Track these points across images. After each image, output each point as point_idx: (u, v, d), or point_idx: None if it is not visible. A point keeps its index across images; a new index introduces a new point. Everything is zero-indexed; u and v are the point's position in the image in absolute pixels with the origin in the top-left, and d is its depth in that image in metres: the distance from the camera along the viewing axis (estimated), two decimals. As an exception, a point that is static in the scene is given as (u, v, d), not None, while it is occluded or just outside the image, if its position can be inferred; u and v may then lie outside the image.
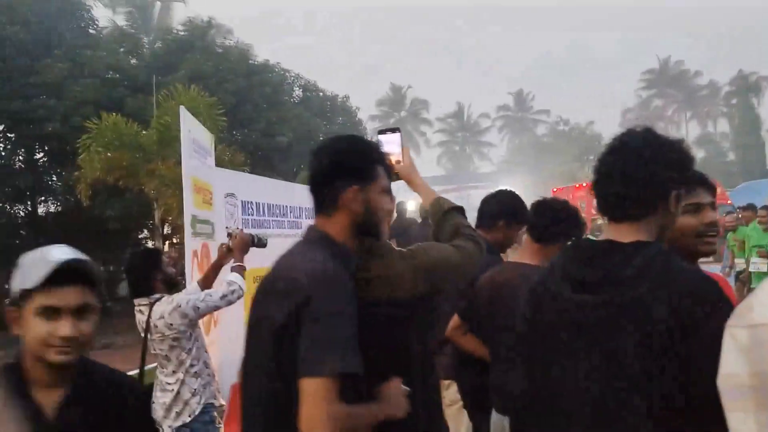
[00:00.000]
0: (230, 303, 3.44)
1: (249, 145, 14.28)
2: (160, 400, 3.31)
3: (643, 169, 1.54)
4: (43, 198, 20.22)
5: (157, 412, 3.30)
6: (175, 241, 23.26)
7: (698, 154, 58.44)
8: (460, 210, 2.02)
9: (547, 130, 64.93)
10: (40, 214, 20.72)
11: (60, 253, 1.62)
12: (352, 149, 1.84)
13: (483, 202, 3.25)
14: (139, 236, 21.86)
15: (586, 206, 14.79)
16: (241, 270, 3.57)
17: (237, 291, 3.42)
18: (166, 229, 8.18)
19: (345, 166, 1.78)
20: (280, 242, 7.56)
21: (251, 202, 7.46)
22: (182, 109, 5.82)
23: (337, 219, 1.75)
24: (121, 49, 17.38)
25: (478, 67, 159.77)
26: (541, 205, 2.83)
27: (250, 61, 17.78)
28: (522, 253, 2.90)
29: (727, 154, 60.83)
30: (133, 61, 17.41)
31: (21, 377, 1.56)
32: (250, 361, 1.72)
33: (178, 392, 3.27)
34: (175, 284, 3.54)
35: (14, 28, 15.65)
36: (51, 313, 1.54)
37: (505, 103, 70.96)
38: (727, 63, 72.73)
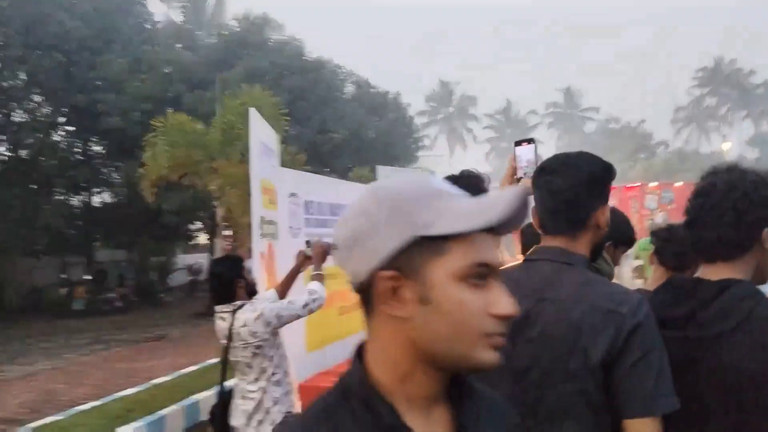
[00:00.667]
0: (311, 312, 3.44)
1: (304, 142, 14.37)
2: (240, 407, 3.32)
3: (732, 213, 1.48)
4: (98, 190, 20.80)
5: (238, 419, 3.32)
6: (229, 238, 23.77)
7: (752, 154, 56.65)
8: None
9: (596, 127, 63.85)
10: (94, 205, 21.32)
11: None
12: (601, 167, 1.66)
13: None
14: (192, 228, 22.33)
15: (638, 206, 14.59)
16: (320, 278, 3.56)
17: (318, 300, 3.42)
18: (223, 229, 8.27)
19: (597, 184, 1.63)
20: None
21: (313, 202, 7.50)
22: (252, 111, 5.84)
23: (584, 239, 1.62)
24: (178, 45, 17.66)
25: (528, 65, 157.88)
26: None
27: (304, 58, 17.93)
28: None
29: (783, 154, 58.85)
30: (190, 55, 17.69)
31: (379, 395, 0.87)
32: (542, 409, 1.51)
33: (260, 401, 3.28)
34: (255, 292, 3.56)
35: (75, 23, 16.05)
36: (479, 277, 0.85)
37: (555, 100, 70.01)
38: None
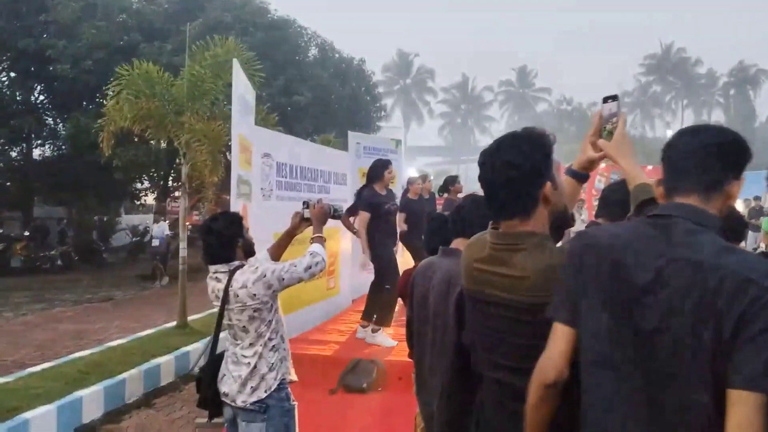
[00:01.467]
0: (313, 275, 3.21)
1: (266, 103, 13.90)
2: (234, 373, 3.08)
3: None
4: (40, 141, 19.68)
5: (230, 385, 3.09)
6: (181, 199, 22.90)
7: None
8: None
9: (547, 108, 64.65)
10: (35, 158, 20.20)
11: None
12: (740, 140, 1.58)
13: (609, 189, 3.02)
14: (139, 188, 21.48)
15: (588, 187, 15.39)
16: (321, 241, 3.33)
17: (320, 263, 3.19)
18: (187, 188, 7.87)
19: (733, 153, 1.54)
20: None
21: (285, 164, 7.22)
22: (235, 62, 5.51)
23: (715, 204, 1.51)
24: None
25: (487, 42, 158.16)
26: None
27: (269, 16, 17.29)
28: None
29: (720, 144, 60.98)
30: (147, 5, 16.82)
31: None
32: (673, 377, 1.39)
33: (255, 366, 3.03)
34: (253, 252, 3.29)
35: (28, -38, 15.05)
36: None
37: (508, 78, 70.41)
38: (729, 52, 72.22)
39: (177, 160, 16.40)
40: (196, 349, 7.46)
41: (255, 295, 2.96)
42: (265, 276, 2.98)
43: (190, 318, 8.83)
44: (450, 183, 8.53)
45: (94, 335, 9.28)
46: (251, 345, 3.05)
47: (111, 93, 7.60)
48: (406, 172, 12.02)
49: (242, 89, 5.75)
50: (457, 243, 2.69)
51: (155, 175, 18.49)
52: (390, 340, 6.61)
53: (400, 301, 7.66)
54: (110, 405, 5.88)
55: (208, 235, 3.10)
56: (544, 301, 1.63)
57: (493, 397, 1.87)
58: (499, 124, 68.44)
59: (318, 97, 17.30)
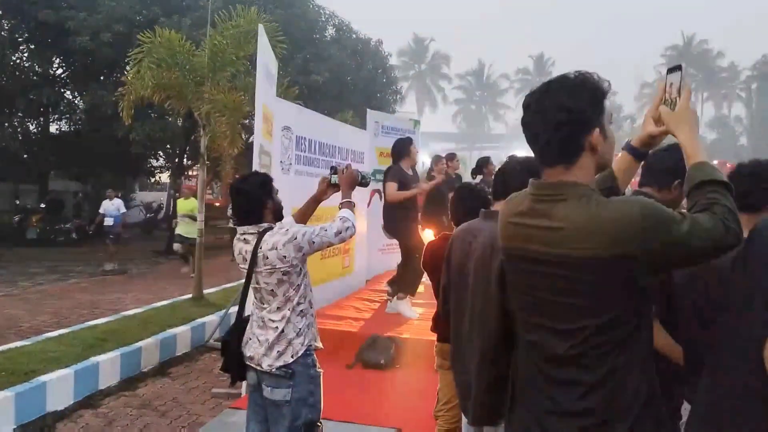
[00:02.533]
0: (343, 240, 3.13)
1: (283, 80, 13.81)
2: (260, 337, 3.02)
3: None
4: (57, 116, 19.67)
5: (255, 349, 3.03)
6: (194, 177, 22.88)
7: (711, 135, 57.90)
8: (727, 186, 1.64)
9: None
10: (52, 132, 20.21)
11: None
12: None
13: (655, 156, 2.92)
14: (154, 165, 21.49)
15: None
16: (350, 206, 3.26)
17: (350, 228, 3.11)
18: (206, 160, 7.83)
19: None
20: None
21: (305, 138, 7.15)
22: (260, 28, 5.42)
23: None
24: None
25: (504, 28, 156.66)
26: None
27: (288, -8, 17.14)
28: None
29: (739, 138, 60.42)
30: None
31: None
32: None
33: (282, 330, 2.97)
34: (282, 216, 3.23)
35: (48, -66, 14.96)
36: None
37: (525, 66, 69.78)
38: (753, 46, 71.12)
39: (193, 137, 16.42)
40: (211, 321, 7.44)
41: (285, 257, 2.90)
42: (295, 238, 2.92)
43: (205, 291, 8.82)
44: (483, 164, 8.39)
45: (109, 305, 9.30)
46: (279, 309, 2.99)
47: (133, 61, 7.52)
48: (421, 155, 11.92)
49: (266, 57, 5.66)
50: (499, 205, 2.62)
51: (171, 150, 18.45)
52: (412, 311, 6.59)
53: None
54: (126, 372, 5.88)
55: (238, 196, 3.04)
56: (586, 255, 1.53)
57: (527, 361, 1.78)
58: (514, 112, 67.99)
59: (335, 77, 17.15)
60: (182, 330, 6.92)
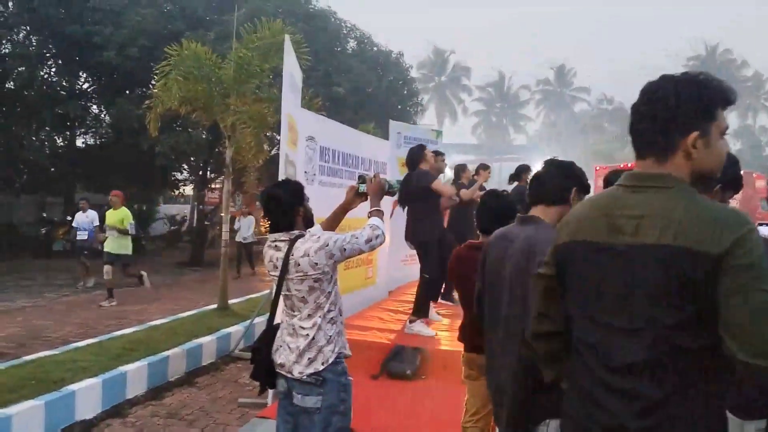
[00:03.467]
0: (373, 248, 3.12)
1: (306, 91, 13.91)
2: (291, 344, 3.01)
3: None
4: (83, 130, 19.98)
5: (286, 356, 3.03)
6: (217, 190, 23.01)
7: (735, 146, 57.09)
8: None
9: (586, 107, 63.66)
10: (78, 145, 20.51)
11: None
12: None
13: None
14: (178, 178, 21.69)
15: None
16: (380, 214, 3.26)
17: (380, 236, 3.11)
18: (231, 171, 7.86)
19: None
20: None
21: (328, 149, 7.18)
22: (287, 39, 5.47)
23: None
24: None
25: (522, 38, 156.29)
26: None
27: (310, 7, 17.29)
28: None
29: (765, 149, 59.60)
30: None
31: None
32: None
33: (313, 338, 2.96)
34: (313, 223, 3.24)
35: (75, -49, 15.27)
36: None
37: (546, 77, 69.44)
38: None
39: (216, 149, 16.57)
40: (237, 331, 7.46)
41: (317, 264, 2.90)
42: (327, 245, 2.92)
43: (230, 301, 8.86)
44: (523, 171, 8.35)
45: (134, 316, 9.37)
46: (309, 316, 2.98)
47: (159, 74, 7.62)
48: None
49: (292, 68, 5.70)
50: (537, 210, 2.60)
51: (194, 163, 18.63)
52: (428, 330, 6.53)
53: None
54: (153, 381, 5.91)
55: (270, 203, 3.05)
56: (678, 245, 1.46)
57: (581, 368, 1.70)
58: (535, 123, 67.81)
59: (356, 89, 17.24)
60: (208, 340, 6.95)
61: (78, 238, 13.12)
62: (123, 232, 10.21)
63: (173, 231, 25.66)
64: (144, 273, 10.98)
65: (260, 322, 7.89)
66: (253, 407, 5.46)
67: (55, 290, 12.56)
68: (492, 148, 63.07)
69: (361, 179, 3.49)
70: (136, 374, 5.69)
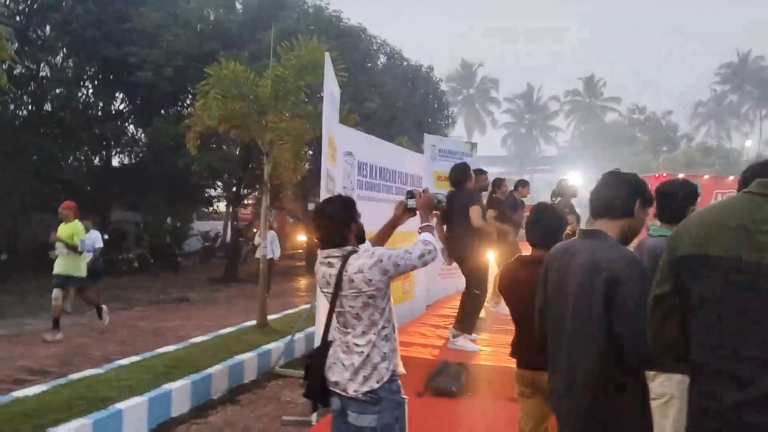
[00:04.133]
0: (425, 264, 3.07)
1: (342, 107, 14.02)
2: (345, 361, 2.97)
3: None
4: (119, 149, 20.38)
5: (340, 374, 2.98)
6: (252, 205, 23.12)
7: (768, 154, 55.81)
8: None
9: (617, 118, 62.95)
10: (114, 165, 20.91)
11: None
12: None
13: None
14: (212, 195, 21.94)
15: None
16: (431, 230, 3.21)
17: (433, 251, 3.06)
18: (268, 187, 7.89)
19: None
20: (386, 207, 7.30)
21: (366, 164, 7.17)
22: (327, 56, 5.48)
23: None
24: (211, 1, 17.19)
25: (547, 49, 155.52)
26: None
27: (341, 24, 17.43)
28: None
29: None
30: (223, 13, 17.20)
31: None
32: None
33: (368, 355, 2.92)
34: (365, 239, 3.20)
35: (107, -28, 15.64)
36: None
37: (575, 88, 68.95)
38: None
39: (250, 165, 16.73)
40: (277, 347, 7.45)
41: (371, 280, 2.86)
42: (381, 261, 2.87)
43: (268, 317, 8.86)
44: (566, 188, 8.25)
45: (172, 332, 9.44)
46: (364, 333, 2.94)
47: (199, 93, 7.71)
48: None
49: (331, 84, 5.72)
50: (602, 224, 2.52)
51: (228, 180, 18.85)
52: (473, 345, 6.43)
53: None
54: (197, 399, 5.91)
55: (322, 218, 3.02)
56: None
57: (699, 396, 1.58)
58: (565, 134, 67.27)
59: (387, 104, 17.32)
60: (249, 357, 6.94)
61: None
62: (72, 249, 8.91)
63: (207, 247, 25.94)
64: (105, 306, 9.82)
65: (300, 338, 7.90)
66: (296, 425, 5.42)
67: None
68: (522, 159, 62.79)
69: (410, 194, 3.45)
70: (180, 392, 5.70)
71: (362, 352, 2.93)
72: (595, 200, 2.57)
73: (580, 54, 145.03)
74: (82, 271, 9.06)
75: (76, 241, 8.90)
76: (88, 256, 11.08)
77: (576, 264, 2.45)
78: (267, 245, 13.87)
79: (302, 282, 18.68)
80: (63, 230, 9.04)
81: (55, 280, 8.89)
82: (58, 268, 8.92)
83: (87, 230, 11.48)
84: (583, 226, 6.67)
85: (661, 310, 1.71)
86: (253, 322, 8.73)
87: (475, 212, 6.16)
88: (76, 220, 9.19)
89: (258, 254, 13.88)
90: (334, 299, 2.98)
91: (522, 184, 8.38)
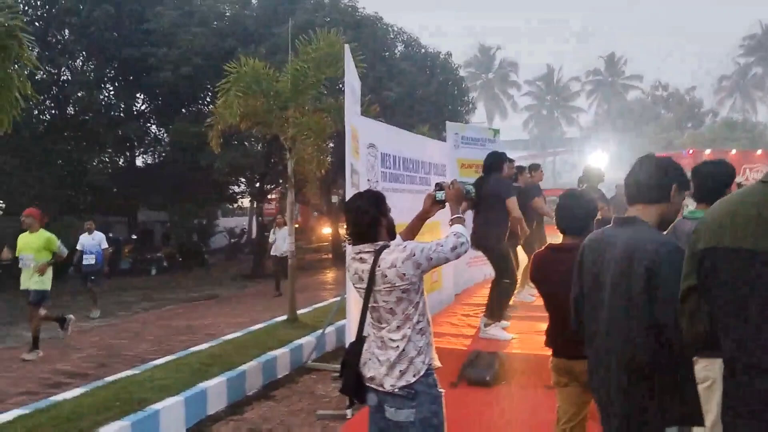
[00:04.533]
0: (458, 256, 3.03)
1: (363, 98, 13.97)
2: (380, 357, 2.95)
3: None
4: (143, 149, 20.59)
5: (376, 369, 2.96)
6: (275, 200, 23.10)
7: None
8: None
9: (640, 95, 61.90)
10: (138, 165, 21.14)
11: None
12: None
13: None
14: (236, 191, 22.06)
15: None
16: (462, 222, 3.17)
17: (465, 244, 3.01)
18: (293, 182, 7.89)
19: None
20: (410, 198, 7.25)
21: (389, 155, 7.12)
22: (346, 48, 5.44)
23: None
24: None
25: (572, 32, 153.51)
26: None
27: (357, 14, 17.36)
28: None
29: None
30: (240, 9, 17.22)
31: None
32: None
33: (403, 350, 2.90)
34: (395, 234, 3.17)
35: (124, -26, 15.74)
36: None
37: (596, 67, 67.86)
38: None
39: (272, 159, 16.78)
40: (308, 342, 7.47)
41: (404, 274, 2.83)
42: (414, 255, 2.84)
43: (298, 312, 8.90)
44: (593, 172, 8.12)
45: (204, 330, 9.52)
46: (398, 328, 2.92)
47: (220, 91, 7.71)
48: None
49: (352, 76, 5.67)
50: (635, 210, 2.46)
51: (251, 176, 18.94)
52: (505, 334, 6.38)
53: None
54: (233, 396, 5.95)
55: (353, 214, 2.99)
56: None
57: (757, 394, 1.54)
58: (588, 114, 66.37)
59: (406, 92, 17.25)
60: (281, 352, 6.97)
61: (84, 262, 11.56)
62: (53, 261, 7.91)
63: (233, 244, 26.16)
64: (72, 317, 8.96)
65: (331, 331, 7.92)
66: (332, 419, 5.43)
67: (126, 308, 12.91)
68: (544, 142, 62.12)
69: (439, 186, 3.41)
70: (215, 390, 5.74)
71: (398, 346, 2.91)
72: (631, 186, 2.50)
73: (598, 31, 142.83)
74: (49, 285, 7.95)
75: (57, 248, 7.92)
76: (89, 258, 11.43)
77: (613, 252, 2.39)
78: (279, 241, 13.18)
79: (329, 275, 18.75)
80: (30, 242, 7.78)
81: (32, 297, 7.80)
82: (29, 283, 7.80)
83: (90, 233, 11.74)
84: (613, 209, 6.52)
85: (689, 303, 1.73)
86: (284, 317, 8.77)
87: (512, 203, 6.13)
88: (42, 230, 7.92)
89: (273, 251, 13.51)
90: (367, 295, 2.96)
91: (534, 168, 8.27)
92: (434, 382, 2.99)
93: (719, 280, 1.58)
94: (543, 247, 3.73)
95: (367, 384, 3.02)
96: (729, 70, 63.52)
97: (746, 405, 1.54)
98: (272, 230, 14.24)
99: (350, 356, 3.10)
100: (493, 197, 6.13)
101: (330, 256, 23.39)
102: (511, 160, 7.43)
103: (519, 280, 7.27)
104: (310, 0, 16.85)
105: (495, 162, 6.47)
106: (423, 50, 21.06)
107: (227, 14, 16.77)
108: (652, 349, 2.19)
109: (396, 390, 2.89)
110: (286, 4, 16.39)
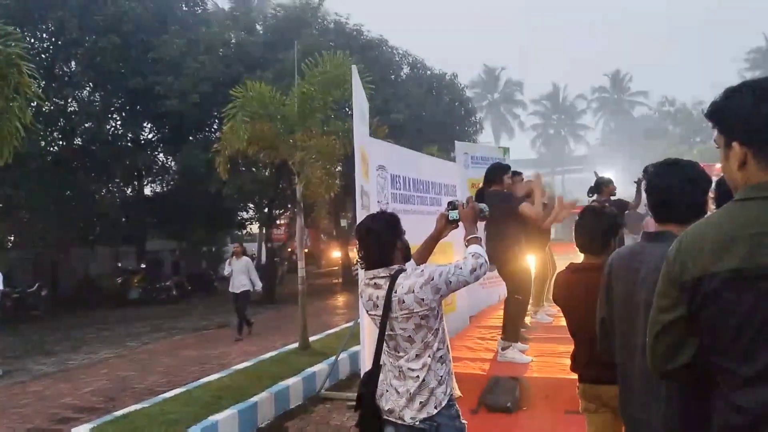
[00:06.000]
0: (477, 278, 2.88)
1: (371, 120, 13.95)
2: (399, 388, 2.79)
3: None
4: (151, 179, 20.61)
5: (395, 401, 2.79)
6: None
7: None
8: None
9: (646, 111, 61.80)
10: (147, 194, 21.15)
11: None
12: None
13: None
14: (245, 217, 21.99)
15: None
16: (479, 241, 3.02)
17: (484, 264, 2.87)
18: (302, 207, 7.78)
19: None
20: (419, 219, 7.11)
21: (399, 176, 7.00)
22: (354, 70, 5.35)
23: None
24: (232, 25, 17.30)
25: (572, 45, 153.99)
26: None
27: (362, 38, 17.40)
28: None
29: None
30: (245, 36, 17.29)
31: None
32: None
33: (423, 380, 2.74)
34: (410, 257, 3.02)
35: (131, 3, 15.82)
36: None
37: (601, 84, 67.94)
38: None
39: (281, 184, 16.71)
40: (321, 369, 7.29)
41: (423, 300, 2.68)
42: (432, 279, 2.69)
43: (310, 339, 8.73)
44: (604, 184, 7.90)
45: (216, 360, 9.35)
46: (418, 356, 2.76)
47: (226, 117, 7.65)
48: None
49: (360, 98, 5.58)
50: (670, 225, 2.30)
51: (259, 201, 18.89)
52: (524, 356, 6.17)
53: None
54: (245, 430, 5.76)
55: (367, 237, 2.84)
56: None
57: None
58: (594, 131, 66.32)
59: (413, 113, 17.20)
60: (294, 381, 6.80)
61: None
62: None
63: (243, 270, 25.98)
64: None
65: (344, 358, 7.73)
66: (347, 451, 5.24)
67: (135, 338, 12.75)
68: (553, 160, 62.04)
69: (451, 205, 3.26)
70: (226, 424, 5.55)
71: (417, 376, 2.75)
72: (659, 201, 2.35)
73: (601, 49, 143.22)
74: None
75: None
76: None
77: (645, 271, 2.23)
78: (236, 275, 11.31)
79: (340, 299, 18.55)
80: None
81: None
82: None
83: None
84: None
85: (673, 336, 1.63)
86: (295, 345, 8.59)
87: (525, 207, 5.94)
88: None
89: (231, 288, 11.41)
90: (383, 322, 2.80)
91: (515, 174, 8.08)
92: (457, 414, 2.83)
93: (724, 305, 1.47)
94: (564, 268, 3.58)
95: (385, 417, 2.85)
96: (734, 83, 63.34)
97: None
98: (227, 261, 12.53)
99: (366, 387, 2.94)
100: (498, 210, 5.96)
101: (340, 280, 23.21)
102: (518, 173, 7.28)
103: (533, 300, 7.09)
104: (316, 25, 16.93)
105: (491, 174, 6.28)
106: (428, 72, 21.09)
107: (233, 41, 16.84)
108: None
109: (417, 423, 2.72)
110: (292, 29, 16.43)
